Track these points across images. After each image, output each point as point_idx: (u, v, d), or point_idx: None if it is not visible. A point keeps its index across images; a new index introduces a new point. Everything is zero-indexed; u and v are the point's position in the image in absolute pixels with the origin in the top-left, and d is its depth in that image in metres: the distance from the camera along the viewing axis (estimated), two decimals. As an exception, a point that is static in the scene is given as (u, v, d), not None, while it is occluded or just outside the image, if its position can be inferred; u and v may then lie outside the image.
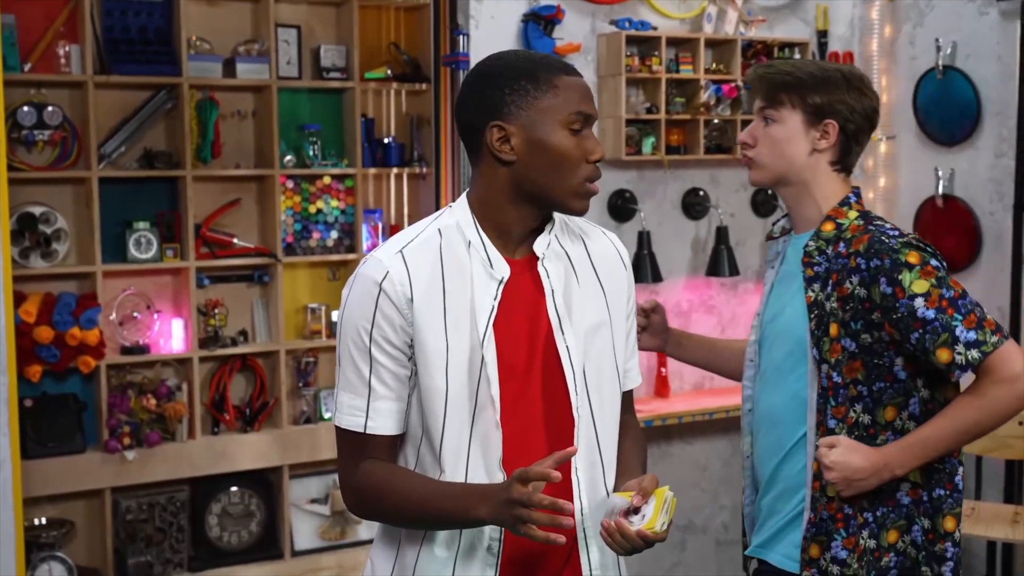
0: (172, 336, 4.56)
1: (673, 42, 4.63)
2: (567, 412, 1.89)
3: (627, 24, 4.53)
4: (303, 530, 4.75)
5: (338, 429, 1.91)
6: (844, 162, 2.41)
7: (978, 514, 4.16)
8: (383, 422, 1.87)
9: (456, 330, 1.84)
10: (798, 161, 2.38)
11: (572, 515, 1.74)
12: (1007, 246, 4.58)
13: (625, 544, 1.80)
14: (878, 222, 2.37)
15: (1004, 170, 4.59)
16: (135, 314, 4.49)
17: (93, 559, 4.47)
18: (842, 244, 2.34)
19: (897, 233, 2.33)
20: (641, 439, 2.10)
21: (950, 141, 4.80)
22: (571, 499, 1.89)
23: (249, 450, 4.59)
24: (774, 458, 2.44)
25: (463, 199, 1.93)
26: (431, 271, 1.86)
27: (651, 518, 1.77)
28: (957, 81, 4.72)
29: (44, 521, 4.35)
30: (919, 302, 2.22)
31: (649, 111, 4.55)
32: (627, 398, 2.07)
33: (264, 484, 4.69)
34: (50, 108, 4.29)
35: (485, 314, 1.85)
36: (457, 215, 1.91)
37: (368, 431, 1.87)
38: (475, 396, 1.84)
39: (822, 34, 5.04)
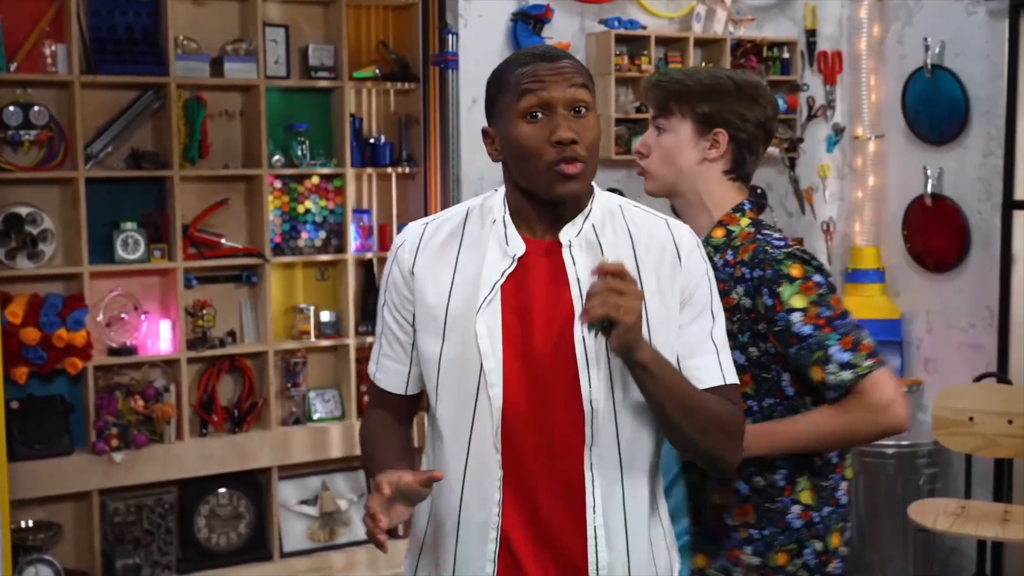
0: (160, 337, 4.53)
1: (662, 41, 4.63)
2: (581, 403, 1.84)
3: (616, 23, 4.52)
4: (292, 532, 4.73)
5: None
6: (739, 171, 2.35)
7: (968, 513, 4.16)
8: (386, 377, 2.00)
9: (459, 300, 1.87)
10: (688, 170, 2.33)
11: (382, 533, 1.74)
12: (995, 245, 4.58)
13: (603, 287, 1.71)
14: (767, 231, 2.32)
15: (992, 169, 4.60)
16: (122, 315, 4.46)
17: (81, 562, 4.44)
18: (730, 252, 2.29)
19: (783, 243, 2.27)
20: (720, 401, 1.89)
21: (939, 140, 4.81)
22: (583, 496, 1.85)
23: (237, 451, 4.57)
24: (667, 476, 2.31)
25: (502, 189, 1.96)
26: (445, 243, 1.92)
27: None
28: (945, 80, 4.72)
29: (31, 524, 4.32)
30: (796, 316, 2.19)
31: (639, 110, 4.55)
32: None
33: (253, 485, 4.67)
34: (36, 108, 4.26)
35: (488, 286, 1.86)
36: (493, 199, 1.95)
37: (376, 381, 2.03)
38: (478, 369, 1.85)
39: (810, 33, 5.05)
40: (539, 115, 1.82)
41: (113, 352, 4.43)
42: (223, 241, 4.61)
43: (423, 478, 1.76)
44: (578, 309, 1.83)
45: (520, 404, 1.85)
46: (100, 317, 4.41)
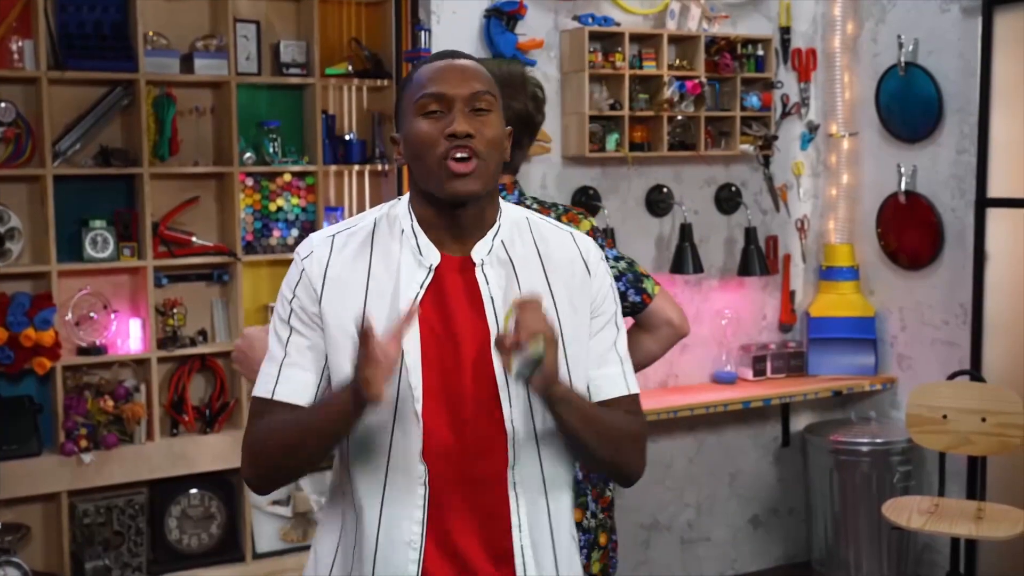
0: (130, 336, 4.49)
1: (636, 38, 4.61)
2: (501, 422, 1.82)
3: (590, 20, 4.51)
4: (264, 532, 4.69)
5: (252, 399, 1.90)
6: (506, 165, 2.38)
7: (941, 511, 4.17)
8: (291, 388, 1.86)
9: (376, 315, 1.82)
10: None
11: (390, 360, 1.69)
12: (969, 242, 4.60)
13: (528, 323, 1.69)
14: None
15: (966, 166, 4.61)
16: (91, 314, 4.41)
17: (50, 564, 4.39)
18: None
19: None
20: (626, 416, 1.92)
21: (912, 137, 4.81)
22: (508, 516, 1.84)
23: (209, 451, 4.53)
24: None
25: (406, 196, 1.94)
26: (356, 256, 1.87)
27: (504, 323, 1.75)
28: (919, 78, 4.73)
29: (-1, 526, 4.27)
30: None
31: (612, 107, 4.53)
32: (618, 406, 1.92)
33: (224, 486, 4.63)
34: (3, 104, 4.20)
35: (408, 299, 1.82)
36: (398, 208, 1.91)
37: (275, 396, 1.86)
38: (396, 384, 1.80)
39: (785, 31, 5.04)
40: (437, 111, 1.81)
41: (82, 352, 4.38)
42: (194, 239, 4.56)
43: (396, 330, 1.70)
44: (493, 329, 1.82)
45: (441, 422, 1.81)
46: (69, 316, 4.36)
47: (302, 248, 1.91)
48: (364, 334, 1.67)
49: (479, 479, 1.83)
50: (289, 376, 1.86)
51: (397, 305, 1.82)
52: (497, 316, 1.83)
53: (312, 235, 1.93)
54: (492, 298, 1.84)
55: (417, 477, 1.81)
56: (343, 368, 1.81)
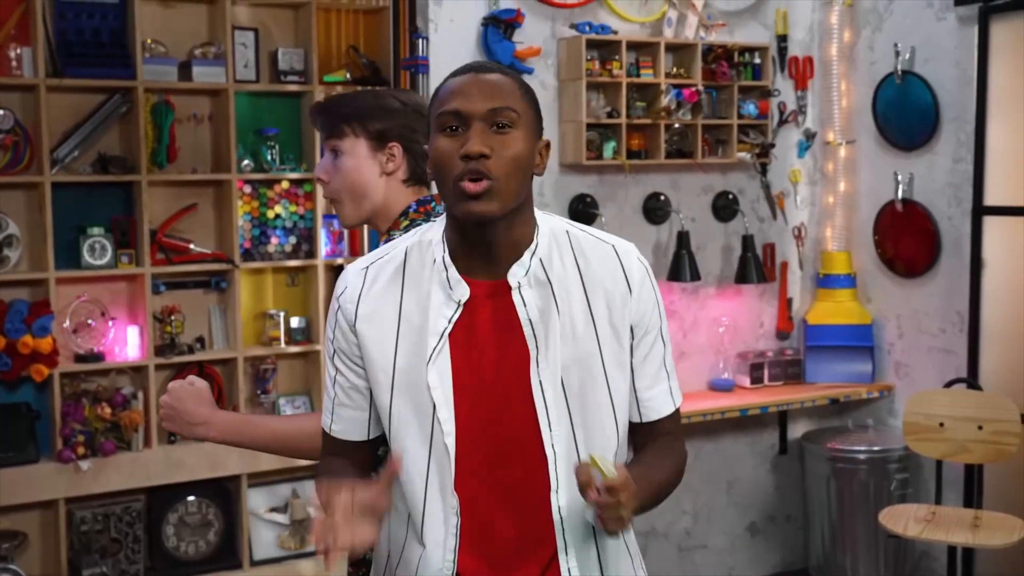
0: (127, 343, 4.49)
1: (633, 46, 4.62)
2: (542, 446, 1.81)
3: (587, 28, 4.51)
4: (262, 540, 4.69)
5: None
6: (416, 178, 2.43)
7: (938, 519, 4.17)
8: (345, 427, 1.92)
9: (406, 351, 1.81)
10: (372, 184, 2.39)
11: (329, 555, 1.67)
12: (965, 250, 4.60)
13: (612, 503, 1.66)
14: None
15: (962, 175, 4.62)
16: (89, 321, 4.41)
17: (47, 571, 4.39)
18: None
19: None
20: (671, 448, 1.94)
21: (909, 146, 4.82)
22: (552, 540, 1.82)
23: (206, 459, 4.52)
24: None
25: (443, 217, 1.88)
26: (386, 290, 1.85)
27: (604, 476, 1.68)
28: (916, 86, 4.74)
29: (-4, 533, 4.27)
30: None
31: (610, 115, 4.54)
32: (661, 426, 1.93)
33: (222, 493, 4.63)
34: (1, 112, 4.21)
35: (436, 335, 1.80)
36: (433, 233, 1.88)
37: (332, 433, 1.94)
38: (431, 419, 1.80)
39: (782, 39, 5.05)
40: (457, 128, 1.76)
41: (80, 359, 4.38)
42: (192, 246, 4.56)
43: (382, 483, 1.69)
44: (532, 351, 1.80)
45: (476, 451, 1.81)
46: (66, 323, 4.36)
47: (338, 284, 1.90)
48: (326, 502, 1.68)
49: (521, 504, 1.82)
50: (341, 416, 1.93)
51: (425, 340, 1.81)
52: (536, 339, 1.80)
53: (348, 268, 1.91)
54: (530, 320, 1.81)
55: (451, 507, 1.81)
56: (382, 403, 1.85)
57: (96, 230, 4.37)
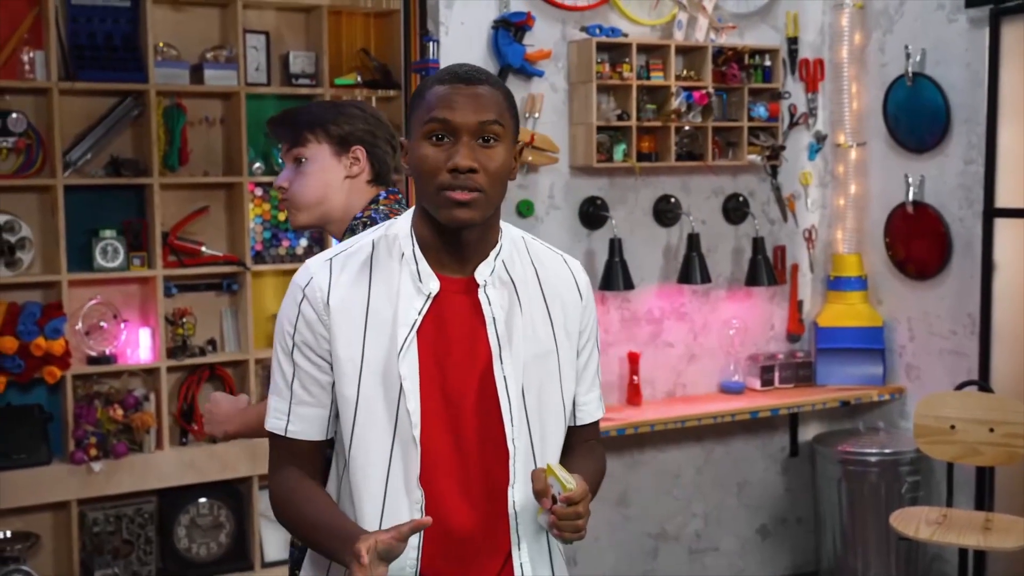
0: (139, 346, 4.51)
1: (644, 49, 4.62)
2: (503, 441, 1.85)
3: (598, 31, 4.51)
4: (273, 541, 4.70)
5: (268, 433, 1.93)
6: (380, 179, 2.50)
7: (950, 521, 4.16)
8: (304, 427, 1.88)
9: (375, 341, 1.82)
10: (337, 186, 2.45)
11: None
12: (977, 252, 4.59)
13: (571, 517, 1.75)
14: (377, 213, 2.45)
15: (973, 176, 4.61)
16: (101, 323, 4.43)
17: (60, 572, 4.41)
18: None
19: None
20: (597, 451, 2.04)
21: (920, 148, 4.81)
22: (508, 535, 1.87)
23: (218, 460, 4.54)
24: None
25: (410, 211, 1.92)
26: (355, 281, 1.86)
27: (563, 486, 1.75)
28: (926, 88, 4.73)
29: (9, 534, 4.28)
30: None
31: (620, 118, 4.54)
32: (589, 431, 2.02)
33: (233, 495, 4.64)
34: (14, 115, 4.23)
35: (406, 327, 1.82)
36: (399, 227, 1.90)
37: (288, 435, 1.89)
38: (395, 410, 1.82)
39: (792, 41, 5.05)
40: (444, 138, 1.79)
41: (92, 361, 4.40)
42: (203, 249, 4.58)
43: (405, 531, 1.69)
44: (495, 348, 1.84)
45: (441, 445, 1.83)
46: (79, 325, 4.39)
47: (300, 276, 1.88)
48: (356, 559, 1.65)
49: (483, 498, 1.85)
50: (300, 414, 1.88)
51: (395, 333, 1.82)
52: (499, 337, 1.85)
53: (309, 261, 1.91)
54: (495, 318, 1.85)
55: (415, 501, 1.82)
56: (347, 395, 1.83)
57: (108, 232, 4.39)
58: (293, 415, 1.88)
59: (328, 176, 2.44)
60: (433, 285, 1.84)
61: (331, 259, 1.89)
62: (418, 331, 1.83)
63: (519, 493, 1.85)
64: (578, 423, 1.99)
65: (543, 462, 1.86)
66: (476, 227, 1.83)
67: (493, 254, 1.88)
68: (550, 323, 1.90)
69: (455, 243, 1.84)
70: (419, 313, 1.83)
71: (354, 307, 1.84)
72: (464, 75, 1.82)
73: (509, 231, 1.94)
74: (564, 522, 1.74)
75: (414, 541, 1.82)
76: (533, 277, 1.92)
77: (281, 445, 1.90)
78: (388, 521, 1.82)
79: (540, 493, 1.75)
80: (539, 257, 1.95)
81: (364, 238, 1.92)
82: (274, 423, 1.90)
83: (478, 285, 1.86)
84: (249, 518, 4.64)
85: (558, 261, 1.97)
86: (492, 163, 1.79)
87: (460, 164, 1.76)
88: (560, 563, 1.98)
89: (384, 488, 1.83)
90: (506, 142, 1.82)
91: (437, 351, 1.83)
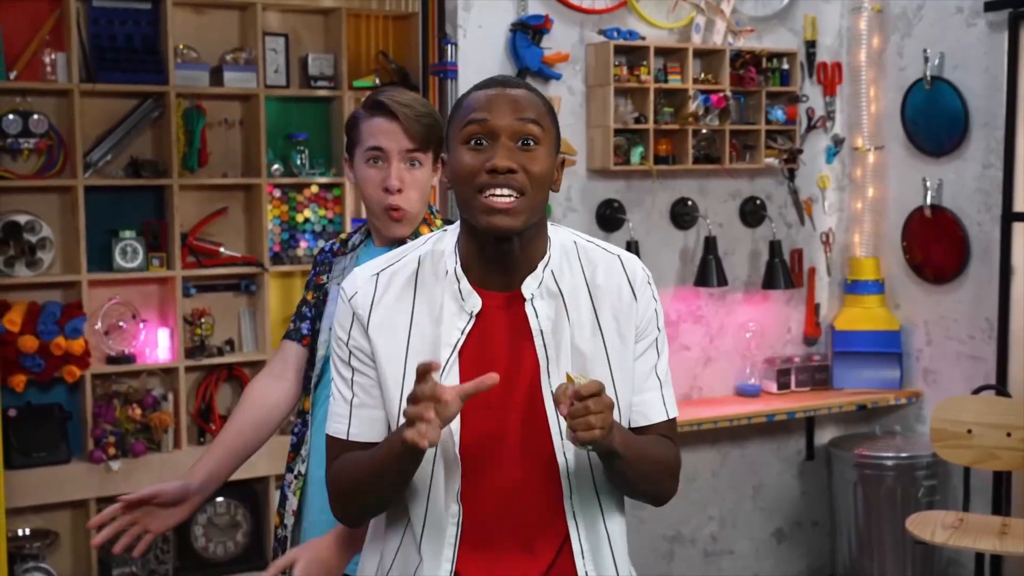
0: (158, 345, 4.53)
1: (661, 52, 4.63)
2: (550, 455, 1.82)
3: (615, 34, 4.52)
4: (289, 541, 4.72)
5: (327, 437, 1.91)
6: None
7: (966, 525, 4.15)
8: (364, 429, 1.86)
9: (417, 360, 1.78)
10: (426, 200, 2.40)
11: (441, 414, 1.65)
12: (995, 257, 4.58)
13: (580, 412, 1.67)
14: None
15: (992, 180, 4.60)
16: (121, 323, 4.46)
17: (78, 570, 4.44)
18: None
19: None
20: (665, 443, 1.93)
21: (938, 151, 4.80)
22: (552, 549, 1.84)
23: (235, 460, 4.56)
24: None
25: (457, 225, 1.89)
26: (399, 298, 1.84)
27: (577, 382, 1.70)
28: (945, 92, 4.72)
29: (28, 532, 4.32)
30: None
31: (637, 121, 4.55)
32: (653, 432, 1.92)
33: (250, 494, 4.66)
34: (36, 116, 4.27)
35: (448, 347, 1.80)
36: (445, 242, 1.88)
37: (351, 438, 1.86)
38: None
39: (810, 44, 5.04)
40: (483, 142, 1.76)
41: (111, 360, 4.43)
42: (222, 250, 4.61)
43: (468, 388, 1.67)
44: (543, 361, 1.81)
45: (482, 459, 1.81)
46: (98, 325, 4.42)
47: (346, 287, 1.87)
48: (422, 373, 1.64)
49: (530, 512, 1.83)
50: (362, 417, 1.86)
51: (438, 352, 1.80)
52: (547, 349, 1.81)
53: (356, 272, 1.89)
54: (542, 331, 1.82)
55: (451, 516, 1.82)
56: (391, 412, 1.82)
57: (128, 233, 4.42)
58: (354, 418, 1.86)
59: (428, 185, 2.37)
60: (475, 303, 1.81)
61: (377, 274, 1.87)
62: (461, 349, 1.81)
63: (577, 503, 1.83)
64: (632, 426, 1.90)
65: (598, 468, 1.83)
66: (518, 237, 1.79)
67: (541, 265, 1.84)
68: (599, 332, 1.84)
69: (498, 256, 1.80)
70: (462, 333, 1.81)
71: (397, 325, 1.82)
72: (502, 80, 1.81)
73: (559, 236, 1.89)
74: (575, 420, 1.66)
75: (448, 554, 1.81)
76: (583, 285, 1.86)
77: (341, 448, 1.88)
78: (429, 537, 1.82)
79: (558, 400, 1.68)
80: (591, 260, 1.89)
81: (410, 252, 1.89)
82: (336, 427, 1.88)
83: (523, 299, 1.82)
84: (266, 518, 4.66)
85: (612, 262, 1.90)
86: (532, 166, 1.76)
87: (499, 164, 1.73)
88: (624, 561, 1.93)
89: (426, 504, 1.82)
90: (546, 146, 1.79)
91: (480, 368, 1.78)
